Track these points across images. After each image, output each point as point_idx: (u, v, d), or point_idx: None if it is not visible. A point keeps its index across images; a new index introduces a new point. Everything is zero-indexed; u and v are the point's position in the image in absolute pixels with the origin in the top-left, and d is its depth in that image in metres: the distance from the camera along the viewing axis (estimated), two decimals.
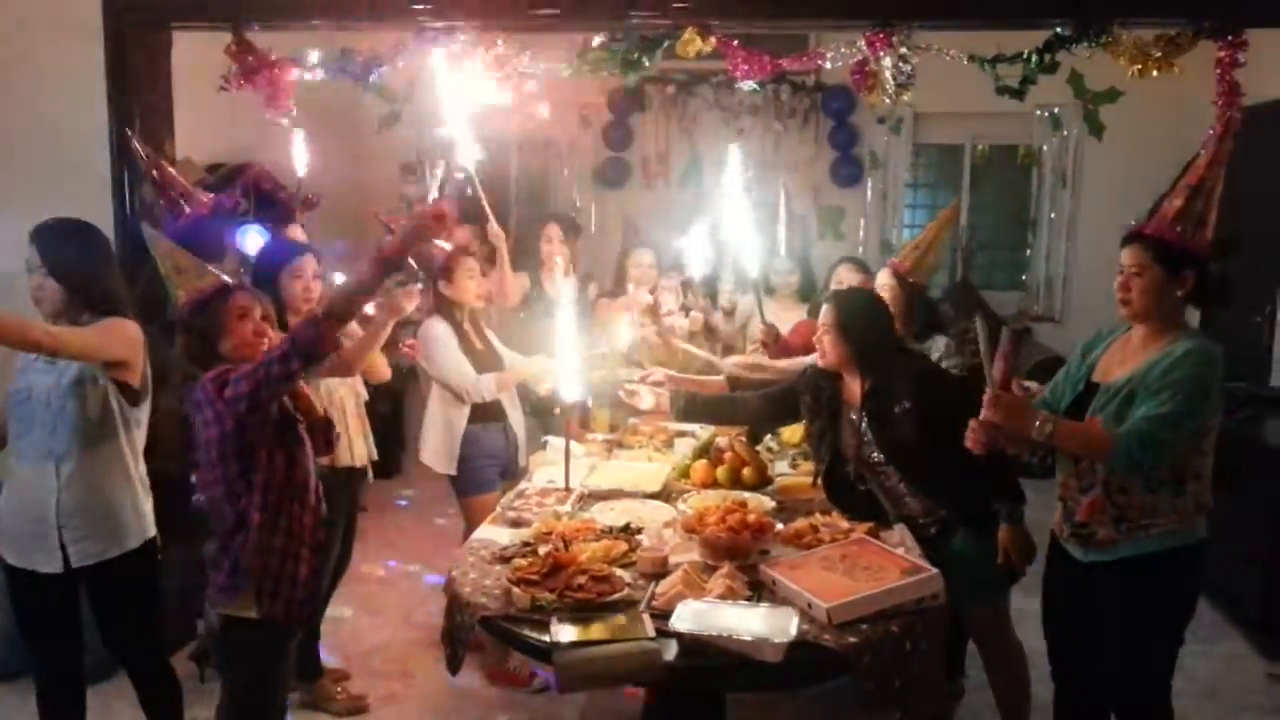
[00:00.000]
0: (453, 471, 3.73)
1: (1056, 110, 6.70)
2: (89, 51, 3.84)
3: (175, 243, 2.65)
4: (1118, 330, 2.66)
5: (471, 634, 2.46)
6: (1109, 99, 6.21)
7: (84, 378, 2.65)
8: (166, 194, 3.70)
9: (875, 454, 2.96)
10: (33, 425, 2.66)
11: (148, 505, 2.82)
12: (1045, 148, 6.95)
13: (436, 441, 3.74)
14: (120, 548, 2.72)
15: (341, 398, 3.48)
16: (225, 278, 2.60)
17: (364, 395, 3.63)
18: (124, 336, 2.66)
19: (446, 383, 3.70)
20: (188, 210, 3.70)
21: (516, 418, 3.90)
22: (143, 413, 2.79)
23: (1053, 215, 7.03)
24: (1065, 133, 6.81)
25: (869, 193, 7.20)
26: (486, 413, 3.75)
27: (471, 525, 3.66)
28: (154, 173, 3.69)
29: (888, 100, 3.89)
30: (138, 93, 3.84)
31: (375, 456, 3.65)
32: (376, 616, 4.37)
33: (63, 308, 2.64)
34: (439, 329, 3.70)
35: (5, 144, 3.81)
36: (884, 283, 3.53)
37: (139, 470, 2.80)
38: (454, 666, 2.53)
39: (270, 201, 5.37)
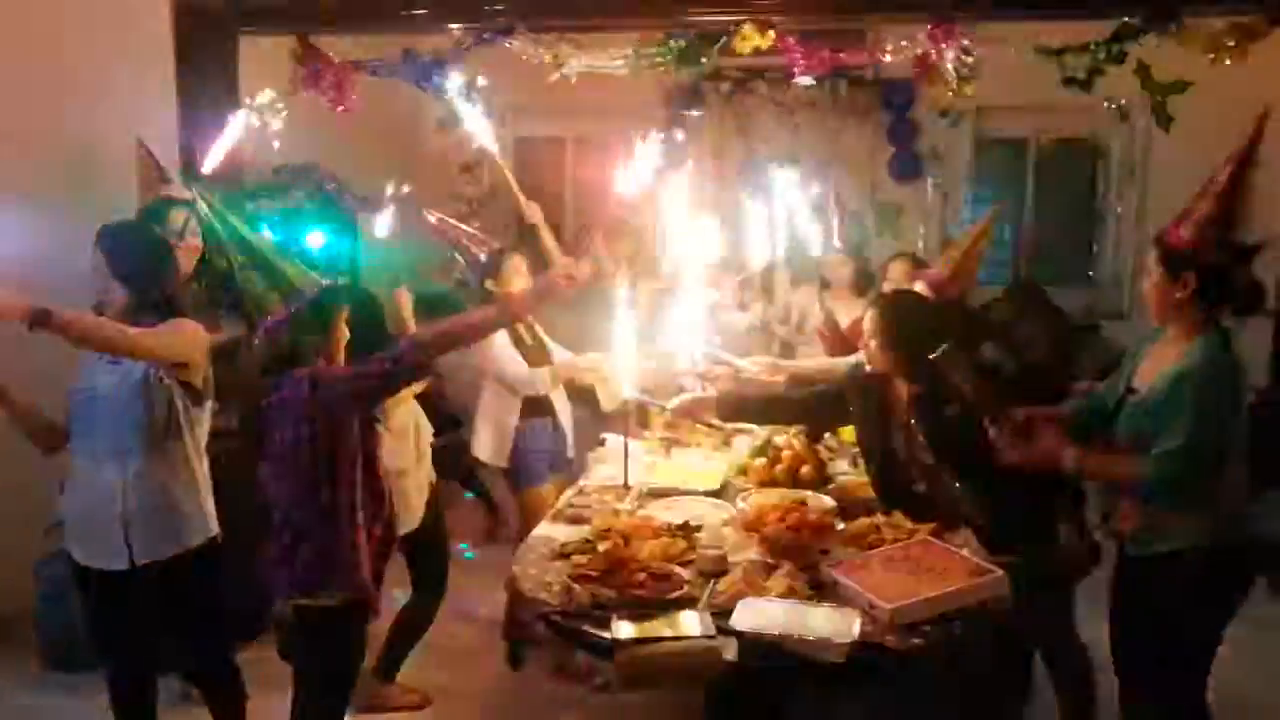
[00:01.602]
0: (504, 464, 3.79)
1: (1123, 102, 6.52)
2: (159, 58, 3.94)
3: None
4: (1158, 333, 2.64)
5: (532, 630, 2.48)
6: (1178, 90, 6.03)
7: (149, 378, 2.69)
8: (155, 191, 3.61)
9: (927, 457, 2.92)
10: (98, 424, 2.71)
11: (210, 503, 2.87)
12: (1112, 140, 6.78)
13: (488, 436, 3.81)
14: (183, 545, 2.77)
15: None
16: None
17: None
18: (191, 338, 2.73)
19: (503, 375, 3.75)
20: None
21: (565, 411, 3.95)
22: (205, 413, 2.84)
23: (1120, 209, 6.86)
24: (1133, 125, 6.64)
25: (929, 189, 7.09)
26: (536, 407, 3.81)
27: (526, 517, 3.77)
28: (158, 179, 3.63)
29: (950, 94, 3.84)
30: (207, 98, 3.93)
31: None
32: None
33: (127, 310, 2.68)
34: None
35: (78, 150, 3.91)
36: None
37: (202, 469, 2.85)
38: (516, 663, 2.56)
39: (334, 202, 5.48)
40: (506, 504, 4.50)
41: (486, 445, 3.82)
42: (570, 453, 3.96)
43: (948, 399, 2.83)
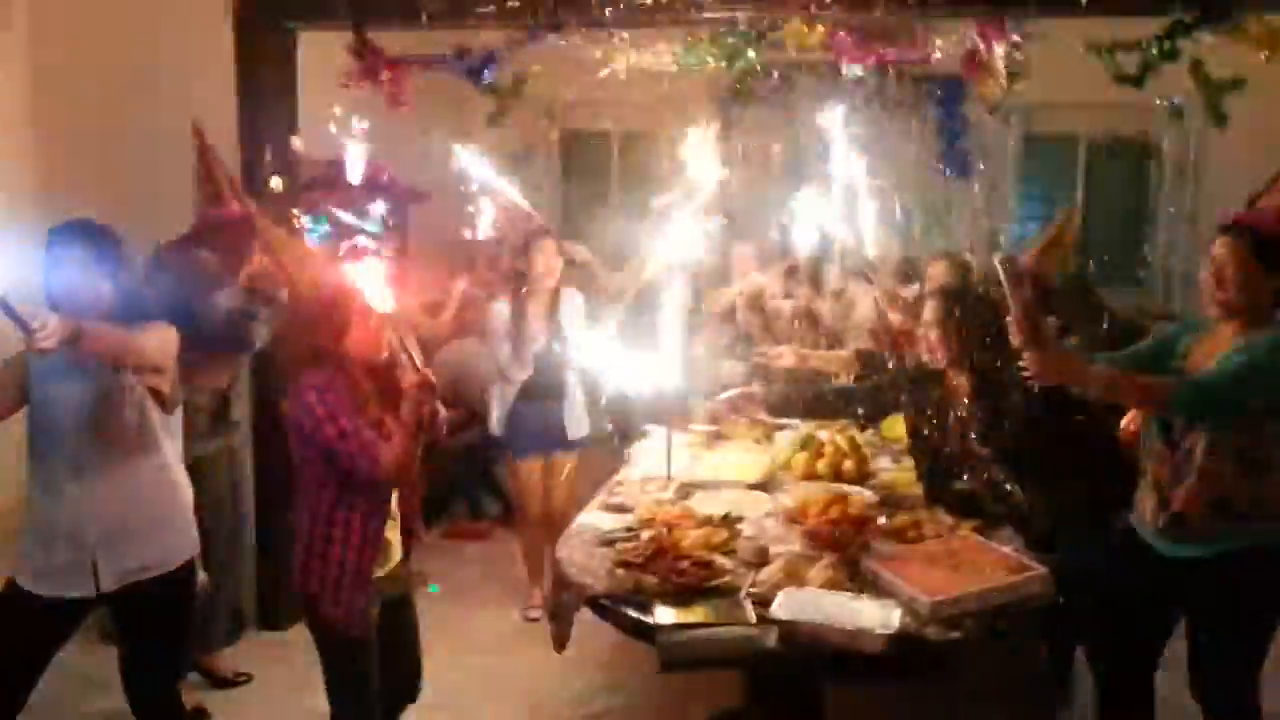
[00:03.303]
0: (501, 435, 4.13)
1: (1177, 100, 6.42)
2: (219, 54, 4.03)
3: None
4: (1203, 325, 2.62)
5: (576, 611, 2.54)
6: (1232, 88, 5.93)
7: (116, 386, 2.48)
8: (206, 187, 3.60)
9: (983, 450, 2.92)
10: (62, 438, 2.48)
11: (190, 520, 2.67)
12: (1165, 139, 6.69)
13: (496, 410, 4.14)
14: (160, 568, 2.57)
15: None
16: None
17: None
18: (172, 342, 2.57)
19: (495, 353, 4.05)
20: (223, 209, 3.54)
21: (573, 397, 4.12)
22: (176, 423, 2.66)
23: (1172, 209, 6.77)
24: (1186, 123, 6.54)
25: (977, 186, 7.04)
26: (533, 390, 4.04)
27: (513, 486, 4.26)
28: (204, 162, 3.58)
29: (999, 91, 3.82)
30: (266, 93, 4.02)
31: None
32: (479, 594, 4.52)
33: (110, 310, 2.48)
34: (497, 307, 4.01)
35: (140, 144, 4.01)
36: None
37: (181, 484, 2.66)
38: (560, 643, 2.62)
39: (387, 194, 5.59)
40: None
41: (494, 418, 4.15)
42: (573, 434, 4.14)
43: (1008, 392, 2.84)
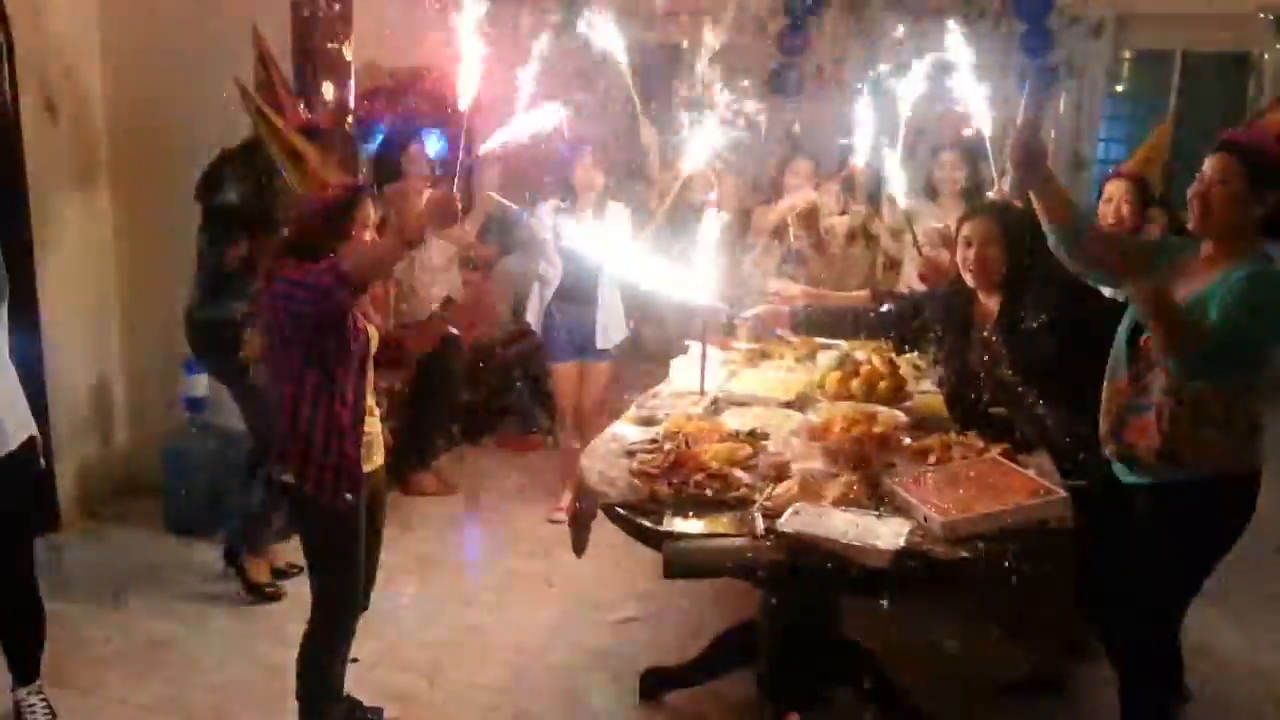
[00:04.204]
0: (539, 335, 4.37)
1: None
2: None
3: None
4: (1187, 247, 2.50)
5: (593, 518, 2.60)
6: None
7: None
8: (269, 94, 3.65)
9: (1009, 373, 2.86)
10: None
11: (20, 404, 2.65)
12: (1266, 55, 6.27)
13: (532, 309, 4.36)
14: None
15: None
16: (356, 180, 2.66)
17: None
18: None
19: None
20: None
21: (607, 304, 4.23)
22: (3, 311, 2.59)
23: None
24: None
25: (1062, 102, 6.73)
26: (567, 295, 4.22)
27: (551, 387, 4.52)
28: (264, 68, 3.64)
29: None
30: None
31: None
32: (525, 500, 4.67)
33: None
34: (541, 208, 4.23)
35: (194, 49, 4.07)
36: (1114, 194, 3.38)
37: (7, 374, 2.61)
38: (579, 548, 2.69)
39: (446, 107, 5.60)
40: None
41: (532, 316, 4.35)
42: (602, 343, 4.27)
43: (1033, 311, 2.78)
